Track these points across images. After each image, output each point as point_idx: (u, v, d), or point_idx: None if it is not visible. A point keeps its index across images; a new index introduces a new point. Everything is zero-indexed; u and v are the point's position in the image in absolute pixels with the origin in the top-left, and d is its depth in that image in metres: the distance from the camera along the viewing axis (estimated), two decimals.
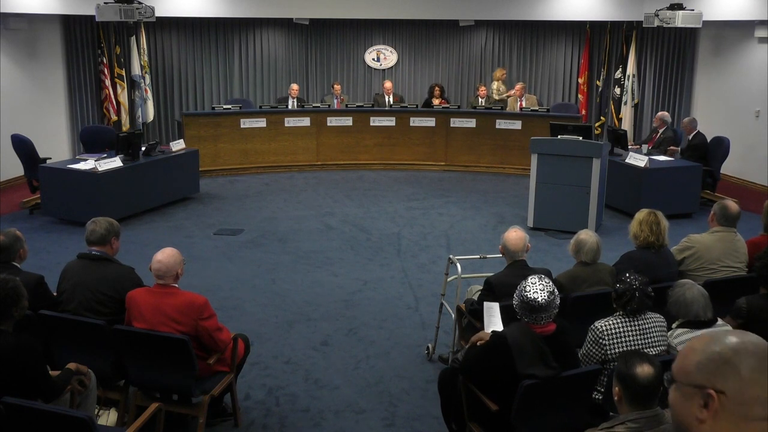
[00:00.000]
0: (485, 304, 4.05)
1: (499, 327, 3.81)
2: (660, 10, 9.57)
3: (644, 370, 2.66)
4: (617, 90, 12.44)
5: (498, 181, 10.71)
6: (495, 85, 12.28)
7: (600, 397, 3.57)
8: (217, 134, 10.83)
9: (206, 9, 11.49)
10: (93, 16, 9.09)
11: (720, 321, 3.70)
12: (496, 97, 12.14)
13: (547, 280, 3.34)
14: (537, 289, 3.26)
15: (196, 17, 12.10)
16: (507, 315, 3.74)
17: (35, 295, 3.96)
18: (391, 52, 13.41)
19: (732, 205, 5.00)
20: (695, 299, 3.60)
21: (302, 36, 13.21)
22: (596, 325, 3.57)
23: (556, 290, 3.31)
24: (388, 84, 12.13)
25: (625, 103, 12.27)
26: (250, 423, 4.24)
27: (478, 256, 5.19)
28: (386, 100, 11.92)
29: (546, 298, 3.24)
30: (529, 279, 3.33)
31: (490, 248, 5.99)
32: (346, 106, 11.59)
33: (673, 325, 3.70)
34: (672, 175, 8.51)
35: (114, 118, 11.70)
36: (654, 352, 3.51)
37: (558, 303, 3.30)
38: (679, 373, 1.36)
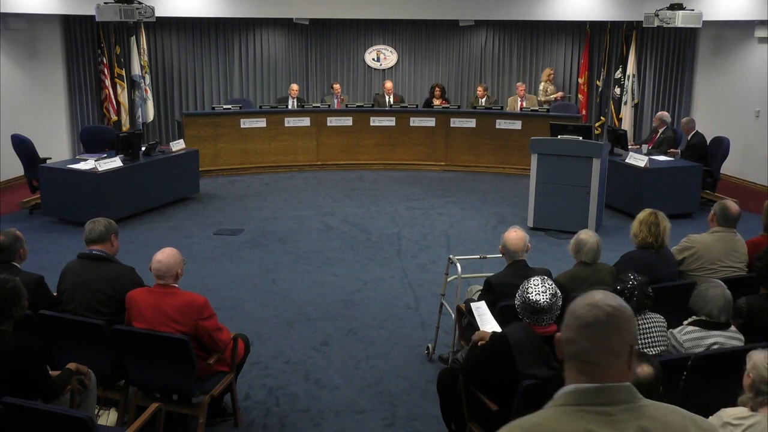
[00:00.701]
0: (472, 305, 4.06)
1: (492, 324, 3.81)
2: (660, 10, 9.56)
3: (644, 370, 2.66)
4: (617, 90, 12.43)
5: (498, 181, 10.71)
6: (542, 86, 12.08)
7: None
8: (217, 134, 10.83)
9: (206, 9, 11.50)
10: (93, 16, 9.09)
11: (733, 327, 3.69)
12: (543, 98, 11.97)
13: (549, 282, 3.34)
14: (539, 290, 3.26)
15: (196, 17, 12.10)
16: (508, 315, 3.73)
17: (35, 295, 3.96)
18: (391, 52, 13.41)
19: (732, 205, 5.00)
20: (715, 298, 3.59)
21: (302, 36, 13.21)
22: None
23: (558, 292, 3.31)
24: (388, 84, 12.13)
25: (625, 103, 12.27)
26: (250, 423, 4.24)
27: (478, 256, 5.19)
28: (386, 100, 11.92)
29: (548, 300, 3.24)
30: (531, 280, 3.33)
31: (490, 248, 5.99)
32: (346, 106, 11.59)
33: (685, 322, 3.70)
34: (672, 175, 8.51)
35: (114, 118, 11.70)
36: (654, 352, 3.52)
37: (560, 305, 3.30)
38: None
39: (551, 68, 12.53)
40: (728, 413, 2.62)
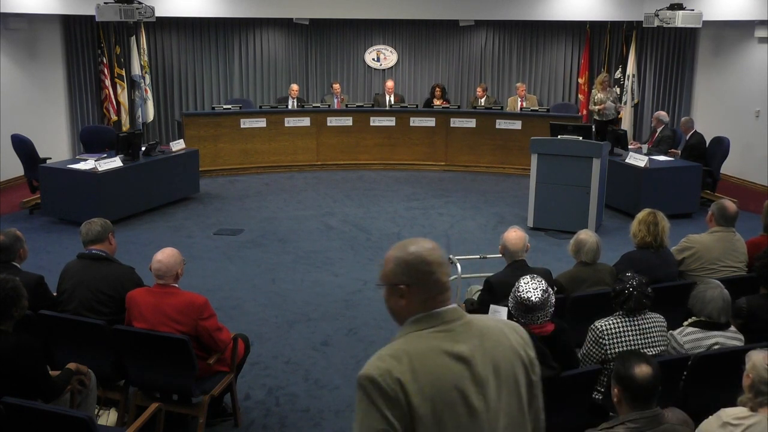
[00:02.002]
0: (492, 307, 4.05)
1: None
2: (660, 10, 9.57)
3: (642, 370, 2.66)
4: (617, 90, 12.43)
5: (498, 181, 10.71)
6: (598, 96, 10.95)
7: (600, 397, 3.57)
8: (217, 134, 10.83)
9: (206, 9, 11.50)
10: (93, 16, 9.10)
11: (732, 327, 3.69)
12: (597, 108, 10.94)
13: (539, 279, 3.35)
14: (530, 288, 3.27)
15: (196, 17, 12.10)
16: (510, 315, 3.73)
17: (35, 295, 3.96)
18: (391, 52, 13.41)
19: (730, 204, 5.01)
20: (714, 300, 3.59)
21: (302, 36, 13.21)
22: (596, 324, 3.57)
23: (549, 288, 3.32)
24: (390, 83, 12.12)
25: (625, 103, 12.27)
26: (250, 423, 4.24)
27: (478, 256, 5.19)
28: (387, 99, 11.92)
29: (540, 296, 3.25)
30: (522, 280, 3.34)
31: (490, 248, 5.99)
32: (346, 106, 11.59)
33: (684, 323, 3.70)
34: (672, 175, 8.51)
35: (114, 118, 11.70)
36: (654, 352, 3.52)
37: (553, 301, 3.31)
38: (381, 278, 1.93)
39: (606, 72, 11.85)
40: (728, 413, 2.62)
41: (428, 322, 1.84)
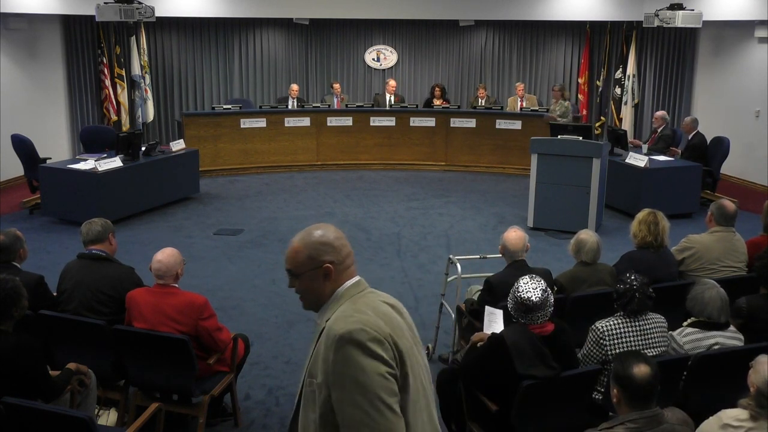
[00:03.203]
0: (487, 308, 4.05)
1: (499, 330, 3.81)
2: (660, 10, 9.56)
3: (641, 370, 2.66)
4: (617, 90, 12.44)
5: (498, 181, 10.71)
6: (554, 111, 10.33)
7: (600, 397, 3.57)
8: (217, 134, 10.83)
9: (206, 9, 11.50)
10: (93, 16, 9.10)
11: (732, 327, 3.69)
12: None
13: (538, 279, 3.35)
14: (530, 288, 3.28)
15: (196, 17, 12.10)
16: (508, 317, 3.74)
17: (35, 295, 3.96)
18: (391, 52, 13.41)
19: (728, 204, 5.01)
20: (712, 300, 3.59)
21: (302, 36, 13.20)
22: (597, 325, 3.57)
23: (548, 288, 3.32)
24: (392, 82, 12.10)
25: (625, 103, 12.28)
26: (250, 423, 4.24)
27: (478, 256, 5.19)
28: (387, 99, 11.91)
29: (540, 296, 3.25)
30: (521, 280, 3.34)
31: (490, 248, 5.99)
32: (346, 106, 11.59)
33: (684, 324, 3.70)
34: (672, 175, 8.51)
35: (114, 118, 11.70)
36: (654, 353, 3.51)
37: (552, 301, 3.31)
38: (297, 269, 2.05)
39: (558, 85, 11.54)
40: (728, 414, 2.61)
41: (357, 288, 2.05)
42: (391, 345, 1.89)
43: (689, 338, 3.60)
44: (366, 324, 1.89)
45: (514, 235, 4.33)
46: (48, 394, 3.35)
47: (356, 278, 2.09)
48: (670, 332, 3.68)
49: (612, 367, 2.77)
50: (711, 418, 2.66)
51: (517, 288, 3.31)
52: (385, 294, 2.12)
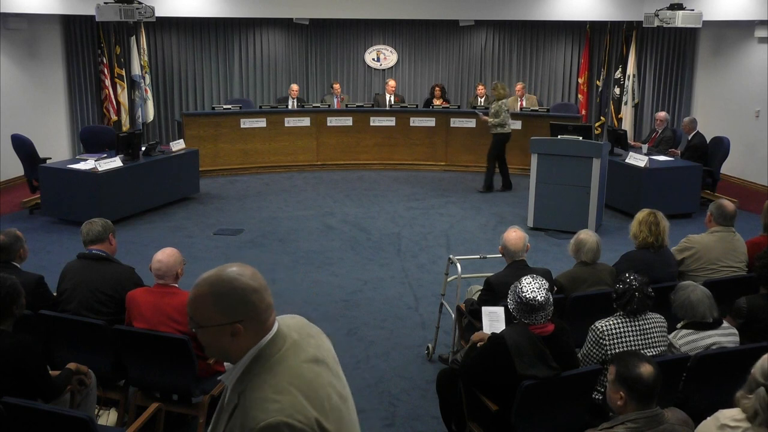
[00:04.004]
0: (486, 308, 4.05)
1: (500, 330, 3.80)
2: (660, 10, 9.56)
3: (647, 369, 2.66)
4: (617, 90, 12.44)
5: (498, 181, 10.70)
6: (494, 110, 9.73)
7: (600, 397, 3.57)
8: (217, 134, 10.83)
9: (206, 9, 11.50)
10: (93, 16, 9.10)
11: (725, 323, 3.69)
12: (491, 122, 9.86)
13: (540, 279, 3.36)
14: (534, 288, 3.28)
15: (196, 17, 12.10)
16: (508, 317, 3.74)
17: (35, 295, 3.96)
18: (391, 52, 13.41)
19: (727, 204, 5.01)
20: (701, 301, 3.60)
21: (302, 36, 13.20)
22: (597, 325, 3.57)
23: (548, 287, 3.33)
24: (391, 82, 12.11)
25: (625, 103, 12.28)
26: None
27: (478, 256, 5.19)
28: (387, 99, 11.92)
29: (544, 296, 3.27)
30: (523, 280, 3.34)
31: (490, 248, 5.99)
32: (346, 106, 11.59)
33: (678, 326, 3.70)
34: (672, 175, 8.51)
35: (114, 118, 11.70)
36: (654, 353, 3.52)
37: (552, 301, 3.32)
38: (200, 320, 1.76)
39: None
40: (725, 415, 2.60)
41: (276, 345, 1.77)
42: None
43: (684, 340, 3.60)
44: (288, 413, 1.64)
45: (515, 235, 4.33)
46: (48, 393, 3.34)
47: (273, 331, 1.79)
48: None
49: (614, 370, 2.74)
50: (708, 419, 2.66)
51: (521, 288, 3.30)
52: (304, 330, 1.87)
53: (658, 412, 2.67)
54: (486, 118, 9.94)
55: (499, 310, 3.99)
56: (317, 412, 1.69)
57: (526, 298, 3.26)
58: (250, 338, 1.76)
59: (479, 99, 11.82)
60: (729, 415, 2.58)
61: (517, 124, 11.06)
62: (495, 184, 10.00)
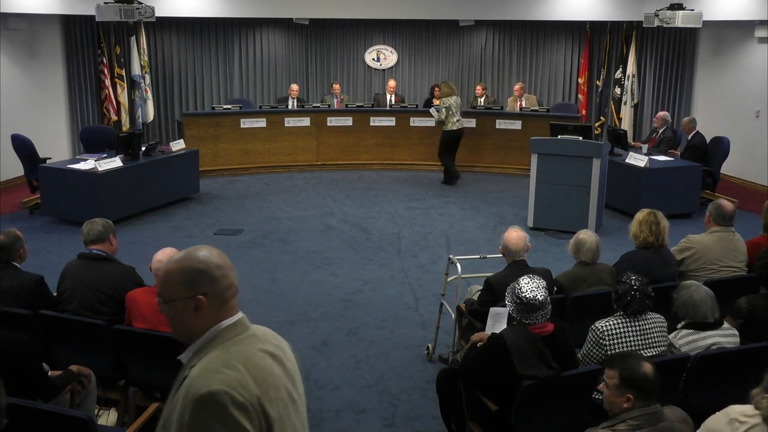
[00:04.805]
0: (492, 309, 4.04)
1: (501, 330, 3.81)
2: (660, 10, 9.56)
3: (648, 367, 2.68)
4: (617, 90, 12.44)
5: (498, 181, 10.71)
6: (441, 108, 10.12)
7: (600, 397, 3.57)
8: (217, 134, 10.83)
9: (206, 9, 11.49)
10: (93, 16, 9.10)
11: (726, 324, 3.69)
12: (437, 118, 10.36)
13: (538, 278, 3.37)
14: (533, 287, 3.29)
15: (196, 17, 12.09)
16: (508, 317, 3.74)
17: (35, 295, 3.97)
18: (391, 52, 13.41)
19: (726, 204, 5.01)
20: (703, 301, 3.59)
21: (302, 36, 13.21)
22: (597, 325, 3.57)
23: (546, 287, 3.35)
24: (392, 83, 12.11)
25: (625, 103, 12.28)
26: None
27: (478, 256, 5.19)
28: (388, 99, 11.92)
29: (544, 294, 3.28)
30: (522, 280, 3.35)
31: (490, 248, 5.99)
32: (346, 106, 11.59)
33: (678, 326, 3.70)
34: (672, 175, 8.51)
35: (114, 118, 11.70)
36: (654, 353, 3.52)
37: (549, 300, 3.33)
38: (167, 294, 1.81)
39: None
40: (736, 410, 2.60)
41: (235, 330, 1.82)
42: (257, 412, 1.69)
43: (685, 340, 3.60)
44: (232, 385, 1.67)
45: (515, 235, 4.33)
46: (46, 392, 3.34)
47: (237, 316, 1.85)
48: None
49: (616, 374, 2.73)
50: (718, 413, 2.65)
51: (519, 288, 3.31)
52: (270, 335, 1.91)
53: (658, 410, 2.67)
54: (434, 116, 10.37)
55: (505, 311, 3.99)
56: (261, 393, 1.72)
57: (526, 297, 3.26)
58: (212, 315, 1.81)
59: (479, 99, 11.82)
60: (740, 410, 2.58)
61: (517, 124, 11.07)
62: (449, 177, 10.38)
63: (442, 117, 10.10)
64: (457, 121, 10.17)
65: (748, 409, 2.58)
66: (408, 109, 11.47)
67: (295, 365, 1.94)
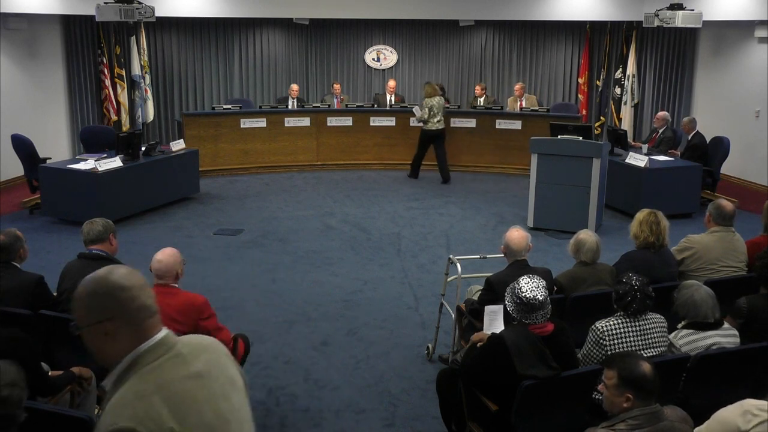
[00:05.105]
0: (487, 307, 4.05)
1: (500, 329, 3.81)
2: (660, 10, 9.57)
3: (647, 367, 2.68)
4: (617, 90, 12.44)
5: (498, 181, 10.71)
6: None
7: (600, 397, 3.57)
8: (217, 134, 10.83)
9: (206, 9, 11.50)
10: (93, 16, 9.10)
11: (726, 324, 3.69)
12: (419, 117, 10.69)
13: (537, 278, 3.37)
14: (533, 287, 3.29)
15: (196, 17, 12.10)
16: (507, 317, 3.74)
17: (35, 295, 3.96)
18: (391, 52, 13.41)
19: (726, 204, 5.01)
20: (704, 300, 3.59)
21: (302, 36, 13.21)
22: (597, 325, 3.57)
23: (546, 286, 3.35)
24: (391, 83, 12.12)
25: (625, 103, 12.28)
26: None
27: (478, 256, 5.19)
28: (388, 99, 11.92)
29: (544, 294, 3.28)
30: (522, 280, 3.35)
31: (490, 248, 6.00)
32: (346, 106, 11.59)
33: (678, 326, 3.70)
34: (672, 175, 8.51)
35: (114, 118, 11.71)
36: (654, 353, 3.52)
37: (549, 300, 3.33)
38: (79, 321, 1.74)
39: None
40: (751, 403, 2.59)
41: (155, 353, 1.73)
42: None
43: (685, 340, 3.60)
44: (140, 419, 1.59)
45: (517, 234, 4.33)
46: (44, 389, 3.33)
47: (157, 337, 1.75)
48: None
49: (615, 374, 2.73)
50: (731, 405, 2.64)
51: (519, 288, 3.31)
52: (199, 349, 1.81)
53: (658, 409, 2.67)
54: (416, 114, 10.59)
55: (500, 309, 3.99)
56: (177, 422, 1.64)
57: (526, 297, 3.27)
58: (125, 342, 1.72)
59: (479, 99, 11.82)
60: (755, 404, 2.57)
61: (517, 124, 11.07)
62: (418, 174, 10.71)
63: (425, 116, 10.30)
64: (438, 121, 10.38)
65: (763, 403, 2.57)
66: (408, 109, 11.44)
67: (232, 377, 1.85)
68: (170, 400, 1.66)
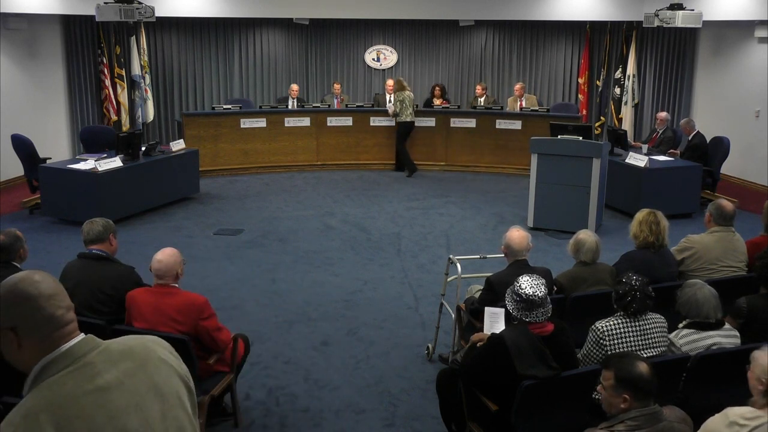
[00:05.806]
0: (488, 309, 4.05)
1: (500, 330, 3.81)
2: (660, 10, 9.57)
3: (644, 366, 2.67)
4: (617, 90, 12.44)
5: (498, 181, 10.71)
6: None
7: (600, 397, 3.57)
8: (217, 134, 10.83)
9: (206, 9, 11.50)
10: (93, 16, 9.10)
11: (727, 324, 3.69)
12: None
13: (537, 276, 3.38)
14: (532, 284, 3.31)
15: (196, 17, 12.10)
16: (507, 317, 3.74)
17: None
18: (391, 52, 13.41)
19: (726, 204, 5.01)
20: (707, 300, 3.59)
21: (302, 36, 13.21)
22: (597, 325, 3.57)
23: (546, 285, 3.36)
24: (391, 82, 12.10)
25: (625, 103, 12.28)
26: (250, 423, 4.24)
27: (478, 256, 5.19)
28: (388, 99, 11.91)
29: (544, 291, 3.29)
30: (521, 278, 3.36)
31: (490, 248, 6.00)
32: (346, 106, 11.59)
33: (680, 325, 3.70)
34: (672, 175, 8.51)
35: (114, 118, 11.71)
36: (654, 353, 3.52)
37: (549, 299, 3.33)
38: None
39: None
40: (735, 412, 2.60)
41: (57, 365, 1.62)
42: None
43: (686, 339, 3.60)
44: None
45: (518, 234, 4.33)
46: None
47: (63, 348, 1.64)
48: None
49: (612, 375, 2.73)
50: (716, 415, 2.64)
51: (520, 286, 3.32)
52: (116, 356, 1.69)
53: (657, 410, 2.67)
54: (389, 110, 11.16)
55: (501, 311, 3.99)
56: None
57: (526, 294, 3.27)
58: (33, 353, 1.63)
59: (479, 99, 11.82)
60: (738, 413, 2.57)
61: (517, 124, 11.07)
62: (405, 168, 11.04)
63: (397, 110, 10.90)
64: (410, 113, 10.93)
65: (747, 411, 2.58)
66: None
67: (157, 385, 1.72)
68: (60, 418, 1.55)
